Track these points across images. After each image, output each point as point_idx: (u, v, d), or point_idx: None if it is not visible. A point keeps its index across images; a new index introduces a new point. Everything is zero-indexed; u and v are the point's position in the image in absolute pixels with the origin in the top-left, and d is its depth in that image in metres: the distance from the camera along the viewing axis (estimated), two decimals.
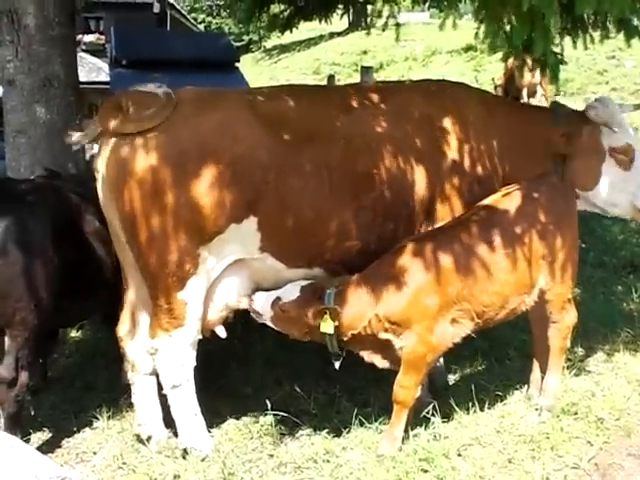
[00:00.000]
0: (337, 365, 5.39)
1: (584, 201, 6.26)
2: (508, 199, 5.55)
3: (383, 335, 5.21)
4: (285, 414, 5.66)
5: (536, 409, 5.75)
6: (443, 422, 5.52)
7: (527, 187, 5.63)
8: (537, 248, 5.44)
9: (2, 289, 5.25)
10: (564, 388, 5.90)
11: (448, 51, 29.93)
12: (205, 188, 5.04)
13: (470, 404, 5.76)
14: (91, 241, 5.90)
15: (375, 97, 5.82)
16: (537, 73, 15.94)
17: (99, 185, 5.36)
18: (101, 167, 5.26)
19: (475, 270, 5.22)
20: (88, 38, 32.33)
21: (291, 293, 5.24)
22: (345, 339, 5.24)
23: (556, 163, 6.10)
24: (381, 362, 5.39)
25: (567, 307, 5.73)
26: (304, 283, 5.30)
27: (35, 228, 5.39)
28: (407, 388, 5.23)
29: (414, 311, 5.13)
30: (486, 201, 5.57)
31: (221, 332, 5.60)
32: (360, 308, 5.18)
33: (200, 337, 5.44)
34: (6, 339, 5.36)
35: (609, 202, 6.25)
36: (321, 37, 39.97)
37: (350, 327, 5.18)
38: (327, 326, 5.11)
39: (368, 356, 5.39)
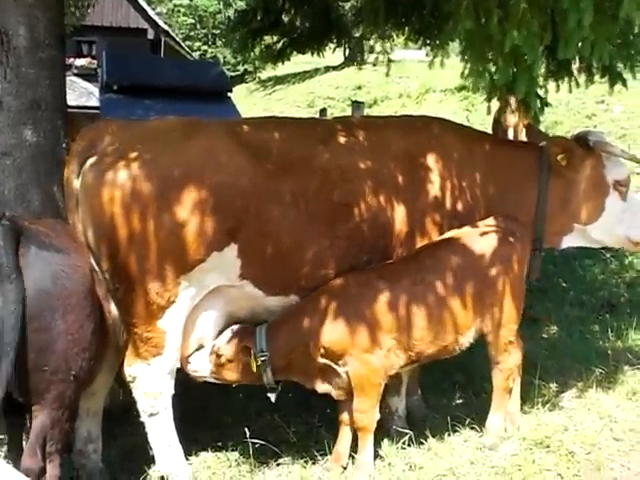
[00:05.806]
0: (273, 398, 5.47)
1: (578, 235, 6.27)
2: (453, 240, 5.65)
3: (321, 360, 5.30)
4: (264, 443, 5.63)
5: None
6: (419, 452, 5.61)
7: (473, 230, 5.72)
8: (474, 290, 5.52)
9: (35, 360, 4.25)
10: (538, 422, 5.96)
11: (442, 90, 29.99)
12: (188, 216, 5.05)
13: (446, 435, 5.84)
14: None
15: (358, 131, 5.88)
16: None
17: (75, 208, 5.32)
18: (79, 191, 5.21)
19: (407, 306, 5.32)
20: (80, 62, 32.44)
21: (224, 337, 5.35)
22: (283, 368, 5.35)
23: (540, 194, 6.07)
24: (321, 387, 5.47)
25: (510, 349, 5.79)
26: (236, 327, 5.40)
27: (72, 281, 4.50)
28: (364, 412, 5.33)
29: (349, 340, 5.24)
30: (432, 242, 5.68)
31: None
32: (292, 338, 5.32)
33: (178, 366, 5.43)
34: (35, 420, 4.36)
35: (606, 234, 6.25)
36: (317, 70, 39.95)
37: (283, 356, 5.31)
38: (253, 364, 5.23)
39: (309, 383, 5.49)
